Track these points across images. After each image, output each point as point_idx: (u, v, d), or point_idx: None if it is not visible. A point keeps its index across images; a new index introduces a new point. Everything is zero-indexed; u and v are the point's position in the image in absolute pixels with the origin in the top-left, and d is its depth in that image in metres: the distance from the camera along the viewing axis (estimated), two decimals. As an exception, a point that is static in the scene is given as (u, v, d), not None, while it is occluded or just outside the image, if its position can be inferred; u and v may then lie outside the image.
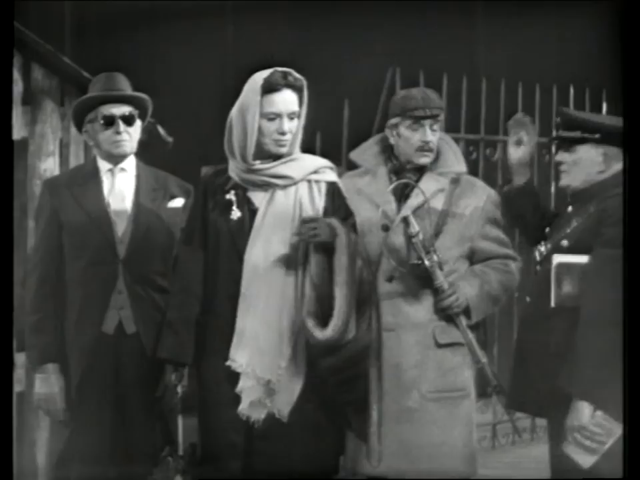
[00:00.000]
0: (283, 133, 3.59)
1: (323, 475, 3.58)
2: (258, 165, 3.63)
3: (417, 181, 3.76)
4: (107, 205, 3.80)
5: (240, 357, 3.52)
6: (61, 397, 3.77)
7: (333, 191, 3.67)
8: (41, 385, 3.78)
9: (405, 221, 3.62)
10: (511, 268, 3.78)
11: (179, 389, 3.63)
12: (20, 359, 4.48)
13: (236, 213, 3.62)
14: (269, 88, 3.58)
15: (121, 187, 3.83)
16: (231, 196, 3.64)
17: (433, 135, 3.74)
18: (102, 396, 3.72)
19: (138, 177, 3.86)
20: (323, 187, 3.65)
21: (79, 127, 3.87)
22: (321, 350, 3.47)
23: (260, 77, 3.61)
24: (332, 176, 3.69)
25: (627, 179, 3.35)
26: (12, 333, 3.46)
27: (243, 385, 3.53)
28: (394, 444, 3.62)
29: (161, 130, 4.91)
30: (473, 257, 3.78)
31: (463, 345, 3.69)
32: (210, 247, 3.63)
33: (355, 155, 3.91)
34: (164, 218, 3.83)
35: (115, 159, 3.83)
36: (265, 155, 3.63)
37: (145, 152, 4.79)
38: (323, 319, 3.47)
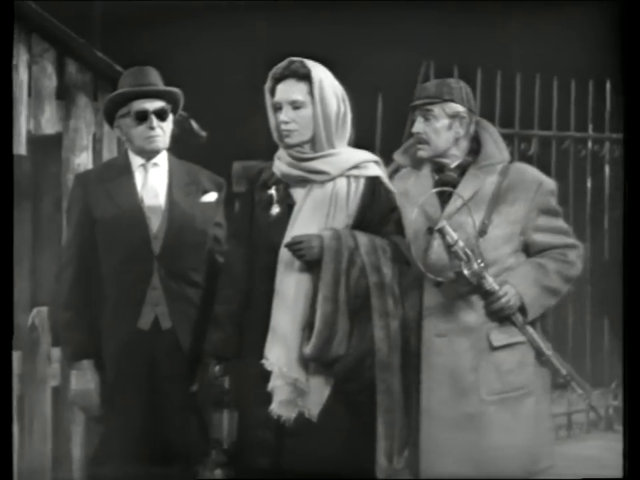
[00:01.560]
0: (283, 122, 3.54)
1: (356, 476, 3.50)
2: (295, 153, 3.56)
3: (460, 175, 3.65)
4: (140, 201, 3.75)
5: (272, 355, 3.48)
6: (97, 393, 3.72)
7: (374, 186, 3.58)
8: (77, 381, 3.73)
9: (441, 232, 3.50)
10: (571, 257, 3.63)
11: (225, 383, 3.61)
12: (55, 353, 4.50)
13: (275, 209, 3.58)
14: (276, 77, 3.56)
15: (153, 182, 3.78)
16: (272, 191, 3.60)
17: (424, 125, 3.61)
18: (137, 392, 3.68)
19: (170, 171, 3.81)
20: (362, 182, 3.58)
21: (111, 122, 3.83)
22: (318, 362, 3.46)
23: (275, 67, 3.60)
24: (374, 170, 3.61)
25: (627, 177, 3.33)
26: (12, 331, 3.43)
27: (273, 383, 3.49)
28: (455, 450, 3.53)
29: (194, 124, 4.92)
30: (529, 250, 3.64)
31: (521, 343, 3.57)
32: (252, 242, 3.60)
33: (397, 155, 3.80)
34: (197, 213, 3.78)
35: (148, 154, 3.79)
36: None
37: (177, 146, 4.78)
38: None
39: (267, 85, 3.59)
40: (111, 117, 3.80)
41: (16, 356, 4.45)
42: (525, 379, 3.58)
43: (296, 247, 3.47)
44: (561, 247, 3.64)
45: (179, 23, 7.16)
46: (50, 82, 4.62)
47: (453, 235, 3.50)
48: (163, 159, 3.81)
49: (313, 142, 3.58)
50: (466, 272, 3.49)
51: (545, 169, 6.02)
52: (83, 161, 4.68)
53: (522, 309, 3.58)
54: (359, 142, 4.91)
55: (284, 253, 3.52)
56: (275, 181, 3.61)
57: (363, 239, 3.52)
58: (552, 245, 3.63)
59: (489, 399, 3.55)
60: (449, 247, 3.50)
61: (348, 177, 3.58)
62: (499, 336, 3.57)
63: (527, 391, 3.59)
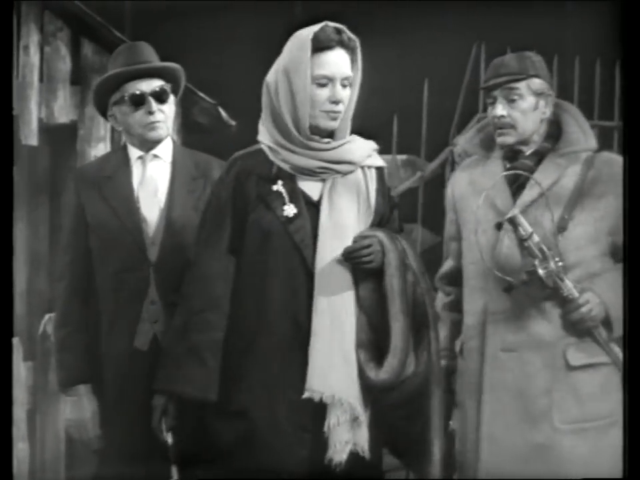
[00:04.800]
0: (336, 102, 2.99)
1: None
2: (316, 143, 3.03)
3: (537, 164, 3.24)
4: (136, 201, 3.32)
5: (317, 383, 2.93)
6: (94, 423, 3.33)
7: (382, 178, 3.12)
8: (72, 410, 3.33)
9: (513, 222, 3.11)
10: None
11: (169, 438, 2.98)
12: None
13: (290, 209, 3.00)
14: (320, 45, 2.97)
15: (153, 178, 3.35)
16: (278, 187, 3.02)
17: (509, 107, 3.19)
18: (137, 422, 3.21)
19: (174, 164, 3.36)
20: (374, 174, 3.10)
21: (103, 112, 3.39)
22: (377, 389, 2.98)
23: (309, 31, 2.98)
24: (381, 160, 3.14)
25: (627, 178, 3.07)
26: (12, 333, 3.07)
27: (331, 420, 2.93)
28: None
29: (222, 113, 4.66)
30: (618, 254, 3.21)
31: (605, 364, 3.17)
32: (248, 253, 3.02)
33: (463, 141, 3.38)
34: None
35: (148, 144, 3.34)
36: (313, 131, 3.03)
37: (204, 136, 4.49)
38: (378, 353, 2.97)
39: (306, 53, 2.96)
40: (103, 105, 3.36)
41: (27, 366, 4.39)
42: (609, 406, 3.17)
43: (365, 251, 2.96)
44: None
45: (212, 9, 6.92)
46: (64, 65, 4.44)
47: (526, 227, 3.11)
48: (165, 149, 3.36)
49: (338, 128, 3.06)
50: (541, 271, 3.09)
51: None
52: (100, 152, 4.40)
53: (607, 323, 3.16)
54: (402, 131, 4.58)
55: (320, 263, 2.98)
56: (277, 174, 3.04)
57: (402, 240, 3.08)
58: None
59: (563, 428, 3.16)
60: (521, 241, 3.12)
61: (362, 167, 3.08)
62: (578, 354, 3.17)
63: (611, 421, 3.17)
